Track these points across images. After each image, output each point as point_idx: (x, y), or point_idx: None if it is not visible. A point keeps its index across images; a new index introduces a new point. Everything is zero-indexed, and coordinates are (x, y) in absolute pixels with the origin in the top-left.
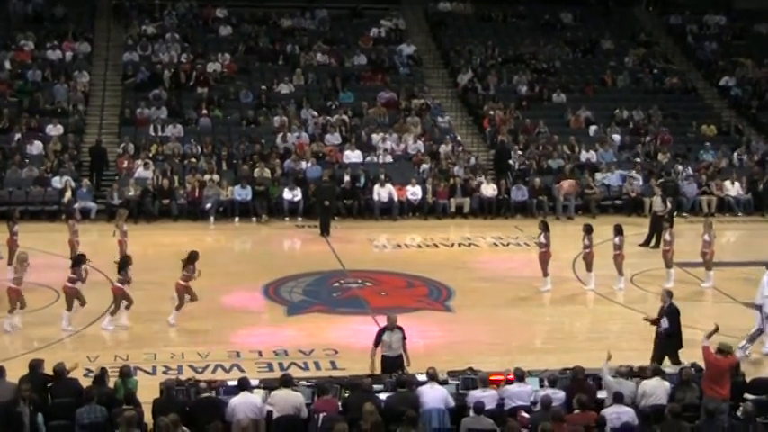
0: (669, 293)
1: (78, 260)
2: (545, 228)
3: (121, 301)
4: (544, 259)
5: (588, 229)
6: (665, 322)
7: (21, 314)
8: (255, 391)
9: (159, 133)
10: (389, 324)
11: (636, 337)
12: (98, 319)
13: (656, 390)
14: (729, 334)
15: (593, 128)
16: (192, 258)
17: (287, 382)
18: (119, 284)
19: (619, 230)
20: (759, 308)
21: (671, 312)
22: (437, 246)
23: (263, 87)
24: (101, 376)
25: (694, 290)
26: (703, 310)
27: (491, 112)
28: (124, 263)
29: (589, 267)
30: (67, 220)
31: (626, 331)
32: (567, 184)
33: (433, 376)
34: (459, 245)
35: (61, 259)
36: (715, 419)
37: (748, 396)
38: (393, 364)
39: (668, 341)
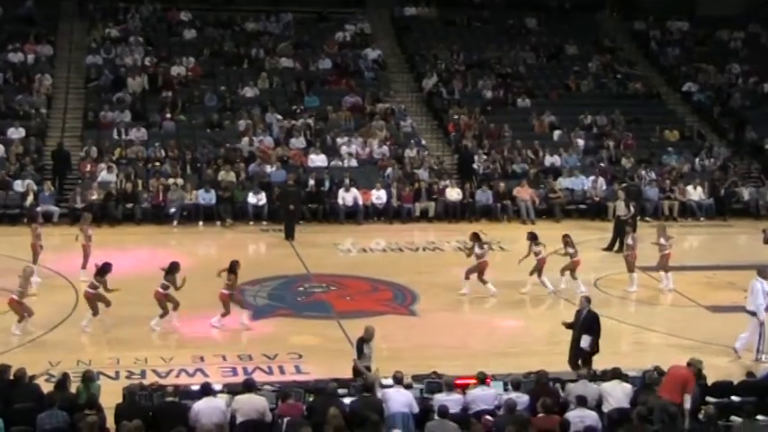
0: (588, 299)
1: (104, 269)
2: (476, 238)
3: (166, 304)
4: (481, 269)
5: (533, 237)
6: (585, 340)
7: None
8: (219, 395)
9: (123, 137)
10: (367, 336)
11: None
12: (60, 324)
13: (615, 391)
14: (692, 337)
15: (557, 132)
16: (232, 268)
17: (250, 386)
18: (161, 290)
19: (533, 237)
20: (753, 314)
21: (590, 320)
22: (402, 250)
23: (227, 90)
24: (63, 381)
25: (657, 294)
26: (666, 314)
27: (456, 117)
28: (172, 268)
29: (540, 273)
30: (30, 223)
31: None
32: (522, 191)
33: (399, 380)
34: (424, 249)
35: (22, 263)
36: (676, 422)
37: (710, 399)
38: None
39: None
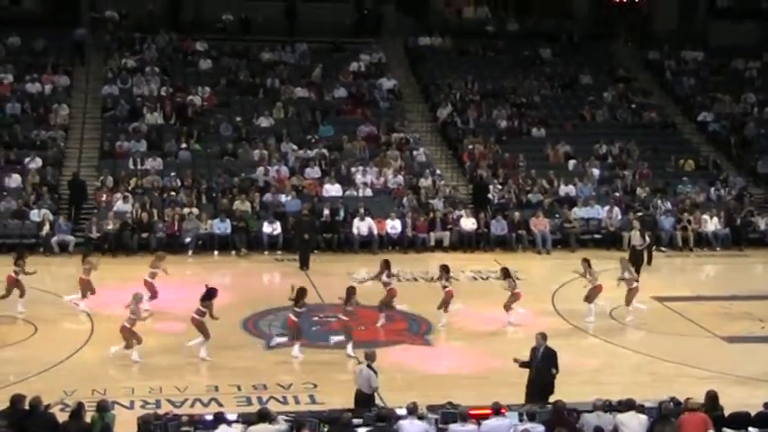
0: (543, 336)
1: (211, 294)
2: (446, 270)
3: (206, 330)
4: (446, 300)
5: (506, 273)
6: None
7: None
8: (234, 425)
9: (139, 166)
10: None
11: (616, 371)
12: (75, 353)
13: (631, 422)
14: (708, 368)
15: (572, 162)
16: (300, 294)
17: (264, 416)
18: (197, 316)
19: (507, 273)
20: None
21: (547, 357)
22: (416, 279)
23: (243, 120)
24: (77, 411)
25: (677, 325)
26: (682, 344)
27: (470, 146)
28: (210, 294)
29: (507, 308)
30: (84, 258)
31: (605, 365)
32: (537, 222)
33: (412, 410)
34: (439, 279)
35: (38, 293)
36: None
37: (727, 430)
38: (368, 400)
39: (540, 387)
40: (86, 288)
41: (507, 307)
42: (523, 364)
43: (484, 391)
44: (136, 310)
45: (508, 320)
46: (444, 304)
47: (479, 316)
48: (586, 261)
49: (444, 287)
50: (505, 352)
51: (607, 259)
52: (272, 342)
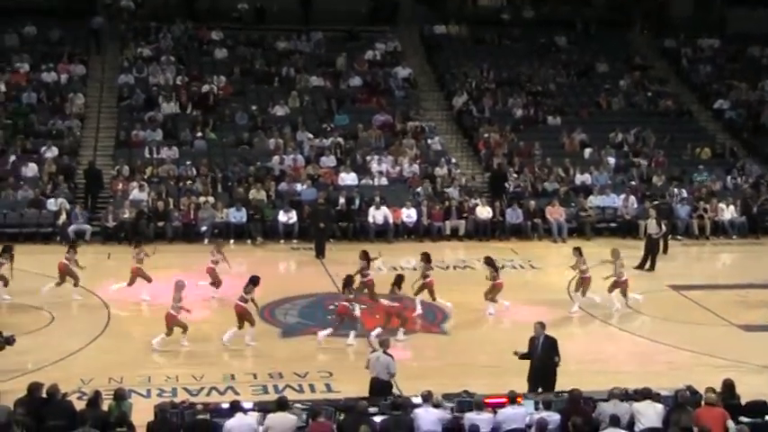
0: (542, 326)
1: (255, 281)
2: (426, 259)
3: (251, 317)
4: (430, 288)
5: (489, 262)
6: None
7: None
8: (250, 413)
9: (154, 155)
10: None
11: (631, 360)
12: (92, 341)
13: (647, 411)
14: (725, 356)
15: (587, 150)
16: (397, 281)
17: (283, 404)
18: (241, 303)
19: (490, 262)
20: None
21: (548, 346)
22: (432, 268)
23: (259, 109)
24: (95, 399)
25: (693, 313)
26: (698, 333)
27: (486, 135)
28: (253, 281)
29: (494, 298)
30: (137, 246)
31: (622, 353)
32: (553, 210)
33: (427, 398)
34: (455, 267)
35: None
36: None
37: (743, 419)
38: (385, 387)
39: (543, 377)
40: (138, 275)
41: (488, 296)
42: (523, 356)
43: (499, 380)
44: (178, 297)
45: (488, 312)
46: (490, 293)
47: (495, 304)
48: (578, 250)
49: (425, 276)
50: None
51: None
52: (320, 336)
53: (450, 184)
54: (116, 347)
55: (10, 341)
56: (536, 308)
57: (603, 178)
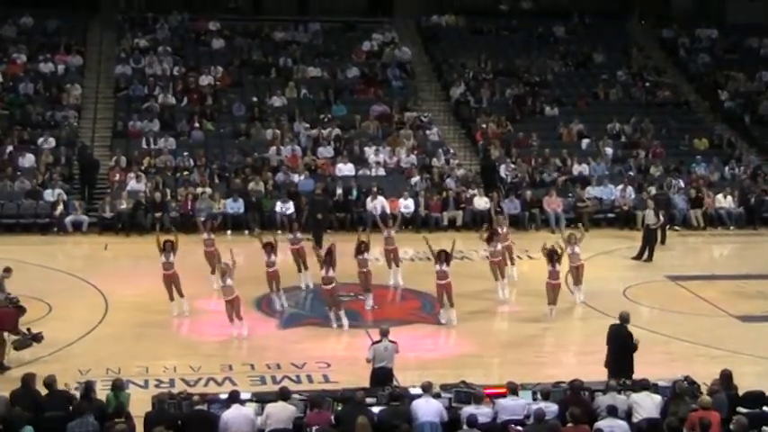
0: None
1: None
2: (360, 249)
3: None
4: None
5: (446, 257)
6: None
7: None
8: (248, 404)
9: (152, 146)
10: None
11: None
12: (90, 331)
13: (645, 402)
14: (723, 347)
15: (585, 141)
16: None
17: (285, 395)
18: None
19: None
20: None
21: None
22: (429, 259)
23: (256, 100)
24: (87, 389)
25: (690, 304)
26: (696, 323)
27: (483, 125)
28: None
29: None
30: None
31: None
32: (551, 201)
33: (426, 389)
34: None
35: (51, 272)
36: None
37: (741, 410)
38: (389, 376)
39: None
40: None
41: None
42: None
43: (497, 371)
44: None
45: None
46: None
47: (493, 295)
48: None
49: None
50: (518, 332)
51: (621, 238)
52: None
53: (448, 175)
54: (113, 338)
55: (38, 338)
56: (532, 298)
57: (601, 169)
